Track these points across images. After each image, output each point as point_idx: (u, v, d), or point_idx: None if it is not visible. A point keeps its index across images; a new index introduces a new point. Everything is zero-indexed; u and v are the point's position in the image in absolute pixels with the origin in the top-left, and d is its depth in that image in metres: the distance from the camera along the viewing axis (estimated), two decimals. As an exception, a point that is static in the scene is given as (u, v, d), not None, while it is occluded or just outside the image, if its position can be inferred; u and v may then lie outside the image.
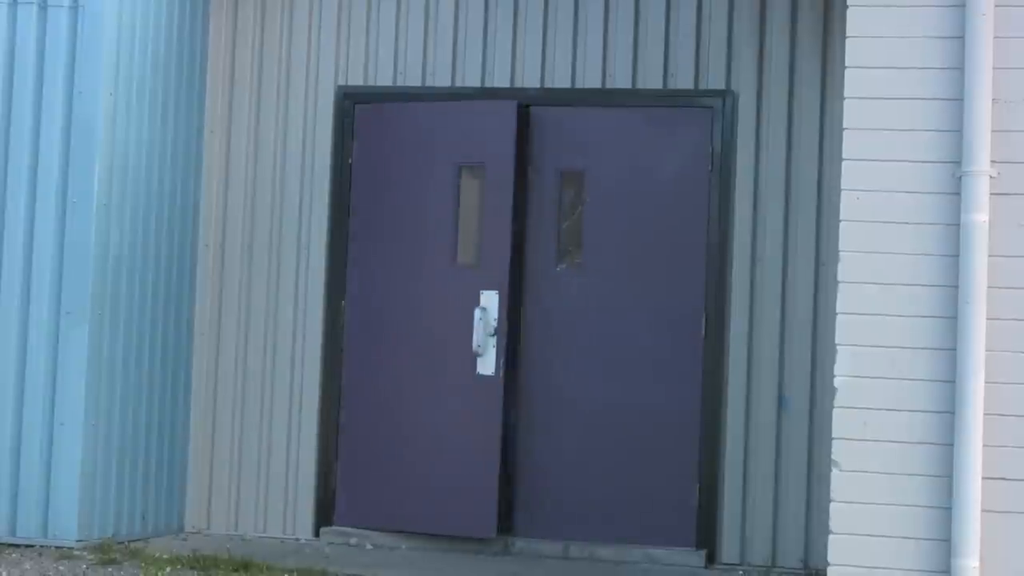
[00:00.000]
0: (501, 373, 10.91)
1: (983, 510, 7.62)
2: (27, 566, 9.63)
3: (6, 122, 10.49)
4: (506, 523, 11.07)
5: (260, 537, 11.23)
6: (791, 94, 10.67)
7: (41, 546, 10.17)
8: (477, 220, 11.11)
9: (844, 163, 7.95)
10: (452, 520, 10.93)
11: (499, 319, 10.90)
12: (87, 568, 9.67)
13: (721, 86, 10.78)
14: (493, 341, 10.92)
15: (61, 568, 9.61)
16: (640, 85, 10.96)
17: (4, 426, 10.39)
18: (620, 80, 10.99)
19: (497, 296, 10.92)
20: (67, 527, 10.26)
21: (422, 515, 11.01)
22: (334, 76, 11.46)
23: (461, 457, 10.94)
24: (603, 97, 11.10)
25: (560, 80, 11.12)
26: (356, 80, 11.45)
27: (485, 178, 11.06)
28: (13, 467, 10.37)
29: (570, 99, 11.18)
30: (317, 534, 11.26)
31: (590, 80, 11.06)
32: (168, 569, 9.61)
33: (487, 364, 10.93)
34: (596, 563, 10.53)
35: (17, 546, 10.18)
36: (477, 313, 10.93)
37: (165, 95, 11.17)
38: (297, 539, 11.26)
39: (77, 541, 10.21)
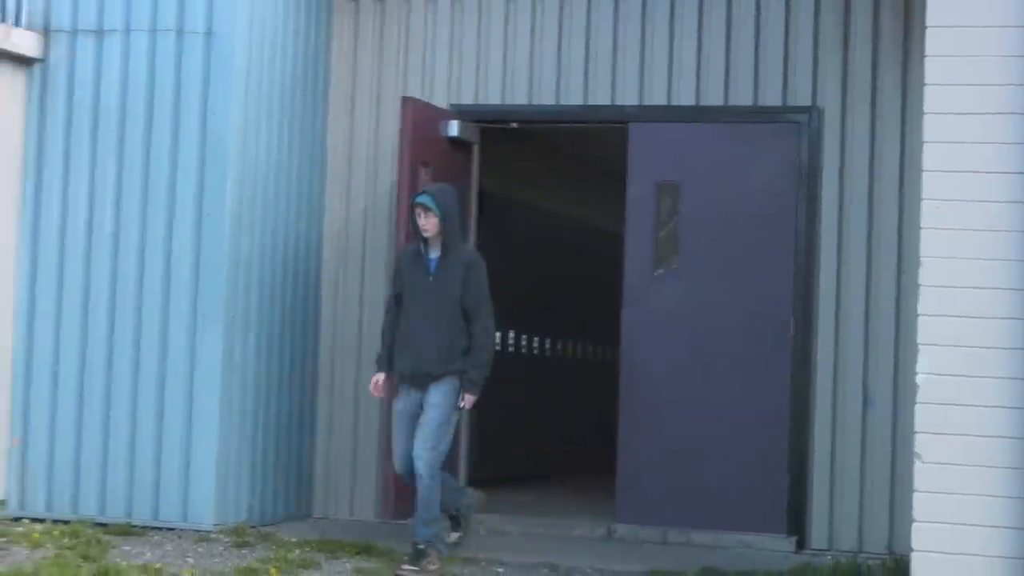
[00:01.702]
0: None
1: (1058, 499, 7.60)
2: (168, 547, 9.79)
3: (147, 140, 10.65)
4: (609, 510, 11.12)
5: (381, 522, 11.17)
6: (873, 109, 10.63)
7: (181, 529, 10.32)
8: None
9: (924, 174, 7.94)
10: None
11: None
12: (223, 550, 9.79)
13: (807, 102, 10.76)
14: None
15: (199, 550, 9.74)
16: (731, 102, 10.97)
17: (147, 418, 10.54)
18: (712, 97, 11.00)
19: None
20: (204, 512, 10.39)
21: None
22: (447, 96, 11.49)
23: None
24: (697, 113, 11.08)
25: (656, 98, 11.11)
26: (468, 99, 11.48)
27: None
28: (155, 456, 10.52)
29: (666, 116, 11.14)
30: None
31: (684, 97, 11.06)
32: (297, 551, 9.70)
33: None
34: (692, 548, 10.53)
35: (159, 529, 10.34)
36: None
37: (291, 113, 11.26)
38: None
39: (214, 525, 10.34)
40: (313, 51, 11.57)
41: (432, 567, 9.07)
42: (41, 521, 10.36)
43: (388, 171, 11.50)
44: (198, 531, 10.28)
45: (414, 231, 9.42)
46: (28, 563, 8.83)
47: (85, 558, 9.07)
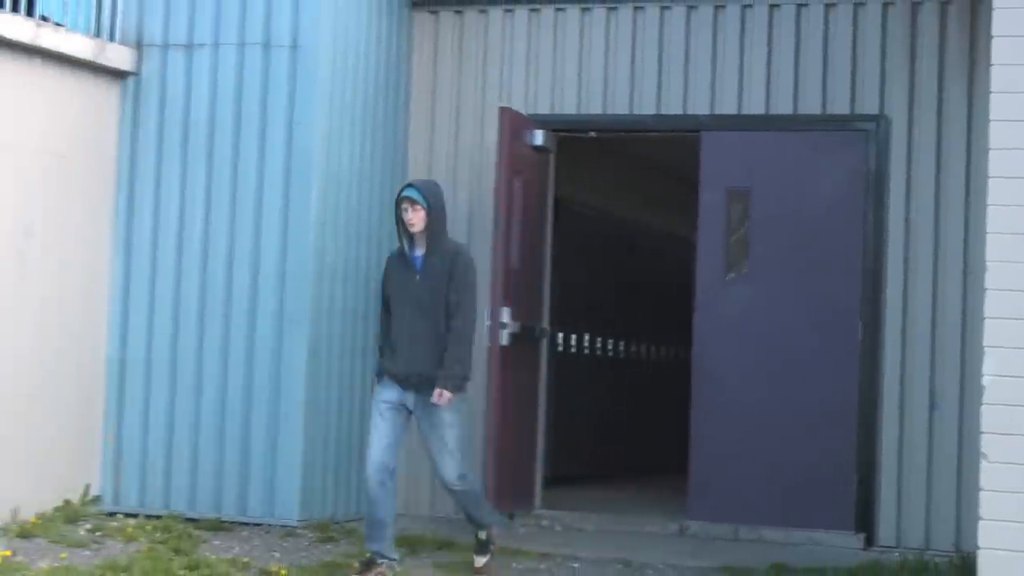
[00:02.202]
0: None
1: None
2: (256, 542, 9.87)
3: (235, 150, 10.74)
4: (681, 508, 11.17)
5: (461, 519, 10.87)
6: (940, 117, 10.65)
7: (268, 525, 10.39)
8: None
9: (989, 180, 8.00)
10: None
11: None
12: (308, 544, 9.87)
13: (875, 111, 10.77)
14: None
15: (286, 544, 9.81)
16: (800, 111, 10.98)
17: (234, 418, 10.63)
18: (782, 106, 11.02)
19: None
20: (290, 508, 10.47)
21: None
22: (524, 106, 11.51)
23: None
24: (766, 122, 11.11)
25: (727, 107, 11.15)
26: (543, 109, 11.52)
27: None
28: (243, 454, 10.61)
29: (737, 124, 11.17)
30: (511, 517, 11.22)
31: (754, 106, 11.09)
32: None
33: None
34: (763, 544, 10.55)
35: (247, 524, 10.42)
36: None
37: (373, 123, 11.33)
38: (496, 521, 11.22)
39: (299, 521, 10.42)
40: (395, 63, 11.62)
41: (490, 555, 9.13)
42: (134, 516, 10.43)
43: (466, 180, 11.61)
44: (284, 526, 10.37)
45: (398, 227, 9.00)
46: (123, 556, 8.94)
47: (177, 552, 9.17)
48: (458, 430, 8.84)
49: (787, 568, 9.54)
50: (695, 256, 11.29)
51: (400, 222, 8.95)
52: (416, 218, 8.83)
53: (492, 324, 10.65)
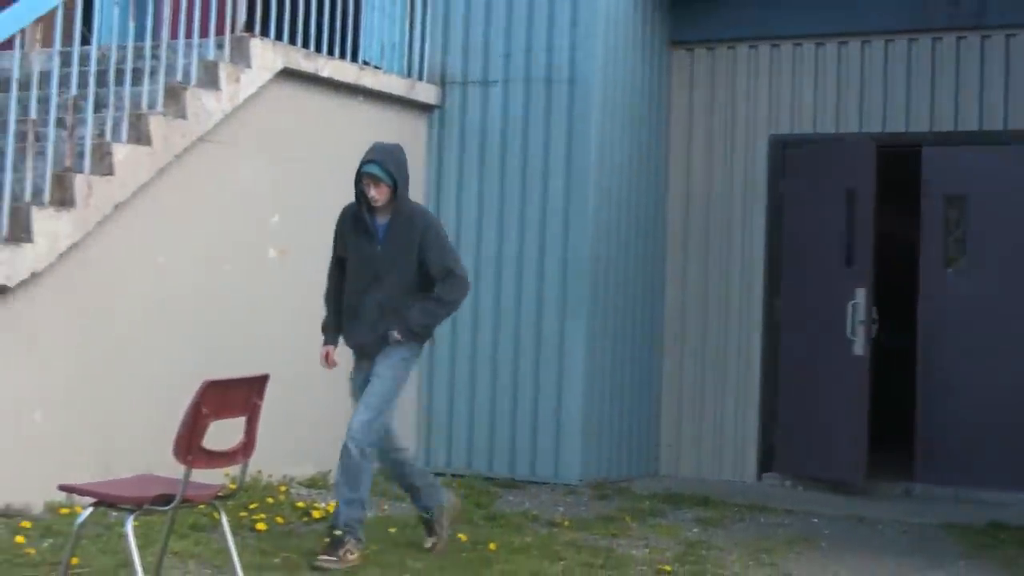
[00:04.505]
0: (869, 353, 10.96)
1: None
2: (543, 498, 10.08)
3: (523, 170, 11.01)
4: (906, 472, 11.20)
5: (716, 480, 11.47)
6: None
7: (552, 484, 10.58)
8: (854, 233, 11.15)
9: None
10: (832, 468, 11.06)
11: (867, 310, 10.93)
12: (587, 500, 10.03)
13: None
14: (862, 328, 10.93)
15: (568, 500, 10.00)
16: (1010, 126, 10.95)
17: (525, 394, 10.89)
18: (993, 123, 11.00)
19: (864, 292, 10.98)
20: (572, 469, 10.68)
21: (822, 464, 11.12)
22: (767, 127, 11.72)
23: (839, 420, 11.02)
24: (980, 137, 11.07)
25: (944, 124, 11.15)
26: (784, 129, 11.69)
27: (856, 200, 11.13)
28: (532, 422, 10.85)
29: (953, 140, 11.16)
30: (759, 478, 11.51)
31: (969, 123, 11.07)
32: (647, 503, 9.94)
33: (858, 346, 10.97)
34: (982, 505, 10.44)
35: (535, 483, 10.63)
36: (849, 307, 10.99)
37: (639, 143, 11.50)
38: (744, 482, 11.49)
39: (579, 480, 10.62)
40: (656, 93, 11.77)
41: (351, 556, 7.14)
42: (442, 475, 10.36)
43: (717, 195, 11.76)
44: (567, 485, 10.50)
45: (358, 200, 7.44)
46: None
47: (478, 505, 9.39)
48: (390, 384, 7.34)
49: (1005, 526, 9.45)
50: (918, 253, 11.31)
51: (360, 195, 7.42)
52: (379, 193, 7.33)
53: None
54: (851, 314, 10.97)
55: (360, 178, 7.37)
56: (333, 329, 7.59)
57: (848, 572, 7.78)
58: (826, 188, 11.26)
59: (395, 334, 7.33)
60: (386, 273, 7.38)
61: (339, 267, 7.60)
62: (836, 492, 11.00)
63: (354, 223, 7.48)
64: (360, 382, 7.50)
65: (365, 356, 7.49)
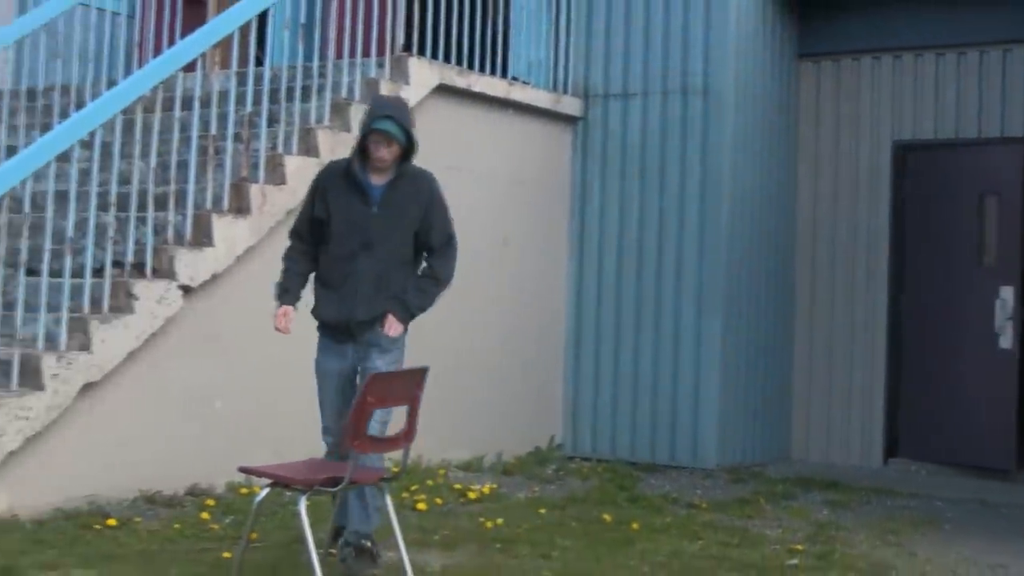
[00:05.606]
0: (1017, 347, 10.84)
1: None
2: (682, 481, 10.14)
3: (661, 177, 11.01)
4: None
5: (844, 464, 11.34)
6: None
7: (691, 468, 10.60)
8: (996, 233, 11.04)
9: None
10: (981, 455, 10.92)
11: (1014, 307, 10.80)
12: (723, 483, 10.09)
13: None
14: (1010, 324, 10.82)
15: (706, 483, 10.05)
16: None
17: (665, 386, 10.89)
18: None
19: (1012, 289, 10.85)
20: (708, 454, 10.70)
21: (965, 451, 10.98)
22: (891, 133, 11.58)
23: (985, 409, 10.88)
24: None
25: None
26: (906, 135, 11.54)
27: (1000, 202, 11.03)
28: (671, 411, 10.84)
29: None
30: (885, 463, 11.39)
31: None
32: (779, 486, 9.89)
33: (1006, 340, 10.87)
34: None
35: (674, 467, 10.68)
36: (998, 303, 10.88)
37: (769, 152, 11.45)
38: (870, 467, 11.34)
39: (716, 465, 10.64)
40: (785, 102, 11.69)
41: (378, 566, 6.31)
42: (588, 460, 10.79)
43: (846, 192, 11.69)
44: (704, 469, 10.50)
45: (359, 156, 6.24)
46: (580, 490, 9.34)
47: (621, 488, 9.48)
48: None
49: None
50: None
51: (363, 150, 6.25)
52: (389, 154, 6.21)
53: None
54: (999, 310, 10.87)
55: (367, 134, 6.20)
56: (294, 291, 6.34)
57: (971, 552, 7.75)
58: (954, 190, 11.19)
59: (393, 325, 6.25)
60: (380, 240, 6.24)
61: (310, 228, 6.35)
62: (958, 476, 10.87)
63: (345, 181, 6.28)
64: (338, 370, 6.35)
65: (346, 337, 6.32)
